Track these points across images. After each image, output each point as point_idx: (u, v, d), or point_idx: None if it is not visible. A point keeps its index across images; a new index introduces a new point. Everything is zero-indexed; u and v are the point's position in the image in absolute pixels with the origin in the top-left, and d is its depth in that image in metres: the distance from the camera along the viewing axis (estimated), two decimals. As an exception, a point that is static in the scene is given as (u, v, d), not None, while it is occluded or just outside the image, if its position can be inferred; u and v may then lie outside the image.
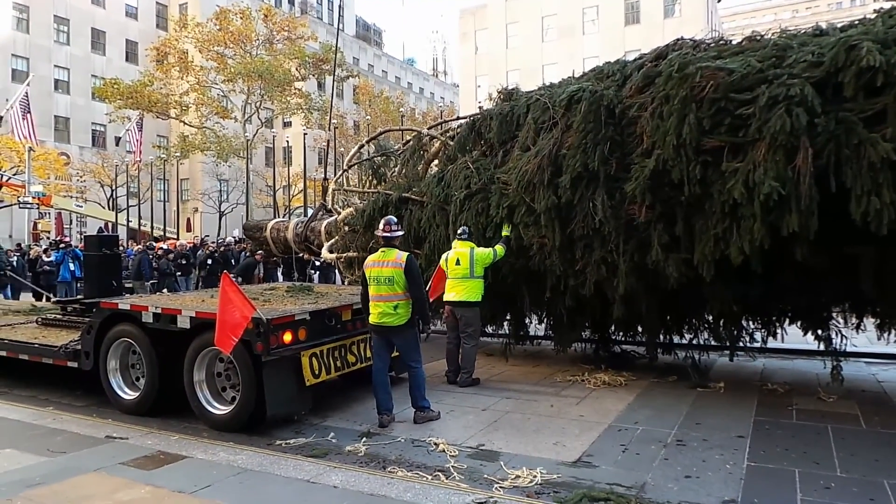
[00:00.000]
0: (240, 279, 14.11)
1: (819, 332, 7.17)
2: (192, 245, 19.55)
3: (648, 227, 6.27)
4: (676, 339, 8.19)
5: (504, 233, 7.30)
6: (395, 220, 6.16)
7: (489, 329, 8.95)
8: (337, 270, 11.15)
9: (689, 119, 5.78)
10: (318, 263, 16.42)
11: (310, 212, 14.96)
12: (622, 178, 6.40)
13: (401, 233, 6.15)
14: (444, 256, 7.49)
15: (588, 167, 6.51)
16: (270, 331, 5.43)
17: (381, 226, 6.07)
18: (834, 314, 7.23)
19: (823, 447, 5.10)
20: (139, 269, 15.91)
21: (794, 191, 5.27)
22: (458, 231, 7.45)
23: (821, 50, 5.56)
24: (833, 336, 7.11)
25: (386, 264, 5.83)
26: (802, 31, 6.43)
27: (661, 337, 8.15)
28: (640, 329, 8.26)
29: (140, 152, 33.65)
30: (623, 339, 8.66)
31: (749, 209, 5.52)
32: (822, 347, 7.20)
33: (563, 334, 8.23)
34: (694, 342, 7.96)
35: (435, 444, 5.22)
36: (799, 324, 7.41)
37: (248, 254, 16.18)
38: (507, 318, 8.67)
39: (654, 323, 7.79)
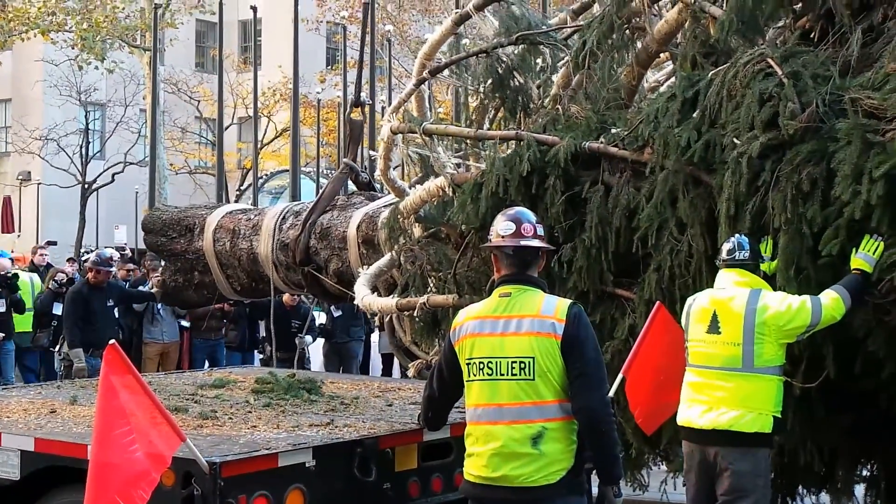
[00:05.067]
0: (64, 350, 7.73)
1: None
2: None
3: None
4: None
5: (855, 263, 3.37)
6: (533, 215, 3.27)
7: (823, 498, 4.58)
8: (390, 341, 5.62)
9: None
10: (321, 319, 9.36)
11: (308, 190, 7.35)
12: None
13: (540, 244, 3.17)
14: (686, 307, 3.82)
15: None
16: (219, 492, 3.28)
17: (496, 227, 3.24)
18: None
19: None
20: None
21: None
22: (724, 245, 3.65)
23: None
24: None
25: (513, 326, 3.06)
26: None
27: None
28: None
29: None
30: None
31: None
32: None
33: None
34: None
35: None
36: None
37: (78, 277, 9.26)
38: (866, 471, 4.33)
39: None
